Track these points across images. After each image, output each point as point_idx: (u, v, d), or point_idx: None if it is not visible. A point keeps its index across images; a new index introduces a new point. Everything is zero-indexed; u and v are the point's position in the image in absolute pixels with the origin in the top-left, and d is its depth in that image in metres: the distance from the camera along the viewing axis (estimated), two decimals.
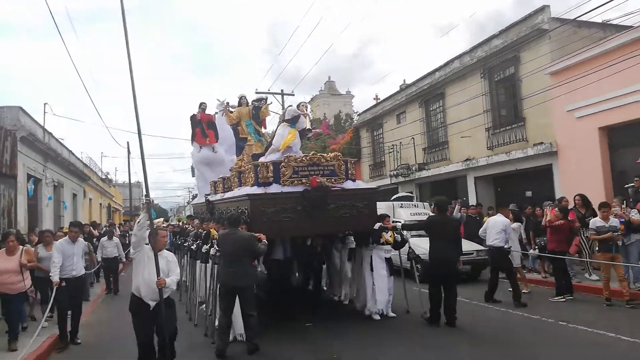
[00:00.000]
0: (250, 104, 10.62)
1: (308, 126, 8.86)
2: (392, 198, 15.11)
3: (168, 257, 5.12)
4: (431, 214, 12.75)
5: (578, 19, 12.03)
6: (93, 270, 11.15)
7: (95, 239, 12.40)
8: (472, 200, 16.12)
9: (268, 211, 6.81)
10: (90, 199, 25.13)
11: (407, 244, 8.03)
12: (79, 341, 6.90)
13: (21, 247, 6.70)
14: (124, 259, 12.59)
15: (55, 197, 17.06)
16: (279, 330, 6.98)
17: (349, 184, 7.66)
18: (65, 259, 6.59)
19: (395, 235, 7.83)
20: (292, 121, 8.45)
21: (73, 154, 20.72)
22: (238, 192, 7.87)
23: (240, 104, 10.57)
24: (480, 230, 9.39)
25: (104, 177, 32.28)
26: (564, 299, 8.58)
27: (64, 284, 6.48)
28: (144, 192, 5.14)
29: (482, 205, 14.04)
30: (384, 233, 7.66)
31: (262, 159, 8.17)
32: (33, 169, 14.24)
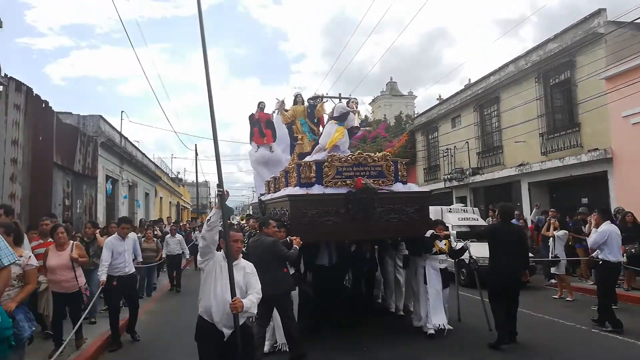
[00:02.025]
0: (305, 102, 10.29)
1: (357, 124, 8.38)
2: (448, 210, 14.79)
3: (246, 268, 3.87)
4: (483, 223, 13.07)
5: (635, 21, 11.70)
6: (157, 263, 11.35)
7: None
8: (526, 207, 15.97)
9: (309, 213, 6.37)
10: (161, 198, 27.12)
11: (466, 252, 7.32)
12: (138, 338, 6.80)
13: (72, 241, 6.24)
14: (188, 256, 12.87)
15: (130, 195, 18.81)
16: (327, 339, 6.72)
17: (398, 187, 7.05)
18: (117, 256, 6.42)
19: (455, 242, 7.12)
20: (341, 119, 8.05)
21: (146, 156, 22.60)
22: (282, 192, 7.53)
23: (295, 103, 10.27)
24: (595, 239, 7.48)
25: (173, 177, 34.56)
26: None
27: (115, 282, 6.35)
28: (218, 183, 3.95)
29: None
30: (437, 242, 6.95)
31: (307, 158, 7.81)
32: (111, 170, 15.89)
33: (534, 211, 13.48)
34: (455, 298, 7.49)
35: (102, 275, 6.22)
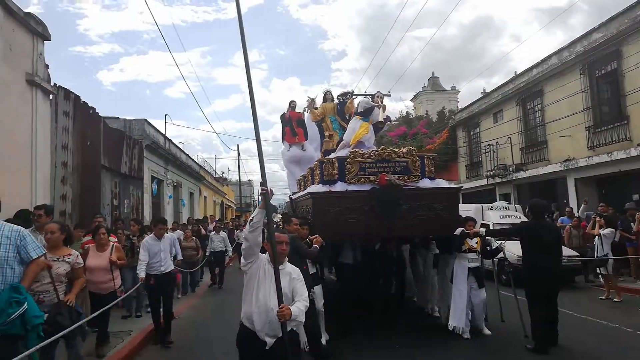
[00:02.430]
0: (335, 99, 10.12)
1: (381, 119, 8.10)
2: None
3: (292, 273, 3.56)
4: (524, 218, 12.68)
5: None
6: (200, 265, 11.77)
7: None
8: (573, 203, 15.38)
9: (331, 211, 6.24)
10: (205, 197, 27.96)
11: (501, 253, 6.89)
12: (171, 340, 6.60)
13: (112, 243, 6.32)
14: (231, 254, 12.95)
15: (174, 195, 19.54)
16: (358, 338, 6.58)
17: (425, 183, 6.81)
18: (153, 256, 6.48)
19: (487, 240, 6.81)
20: (365, 114, 7.83)
21: (190, 157, 23.37)
22: (306, 190, 7.37)
23: (325, 100, 10.15)
24: None
25: (217, 176, 35.53)
26: None
27: (152, 280, 6.43)
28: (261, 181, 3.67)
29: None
30: (467, 240, 6.63)
31: (332, 155, 7.67)
32: (156, 171, 16.58)
33: (582, 207, 12.89)
34: (496, 298, 7.08)
35: (141, 272, 6.31)
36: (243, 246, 3.50)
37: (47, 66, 8.02)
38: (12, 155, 7.07)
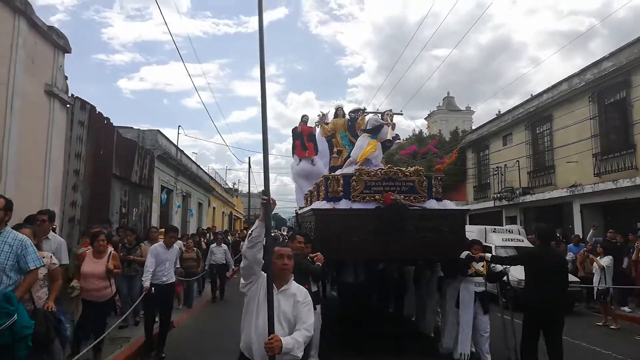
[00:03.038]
0: (347, 115, 10.08)
1: (390, 137, 8.03)
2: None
3: (297, 295, 3.05)
4: (529, 244, 12.65)
5: None
6: (199, 276, 11.28)
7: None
8: (578, 229, 15.35)
9: (334, 229, 6.12)
10: (214, 208, 28.28)
11: (505, 277, 6.64)
12: (163, 355, 6.34)
13: (110, 249, 6.11)
14: (233, 266, 12.66)
15: (183, 205, 19.85)
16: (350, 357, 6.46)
17: (431, 204, 6.66)
18: (158, 264, 6.31)
19: (492, 265, 6.56)
20: (374, 131, 7.77)
21: (201, 168, 23.76)
22: (311, 206, 7.28)
23: (336, 116, 10.11)
24: None
25: (227, 187, 35.90)
26: None
27: (153, 290, 6.19)
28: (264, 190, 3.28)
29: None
30: (473, 263, 6.42)
31: (338, 172, 7.62)
32: (166, 181, 16.91)
33: (590, 232, 12.71)
34: (503, 323, 6.68)
35: (146, 281, 6.12)
36: (242, 264, 3.06)
37: (66, 77, 8.37)
38: (28, 161, 7.37)
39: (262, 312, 2.92)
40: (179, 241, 10.64)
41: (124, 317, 6.61)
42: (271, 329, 2.79)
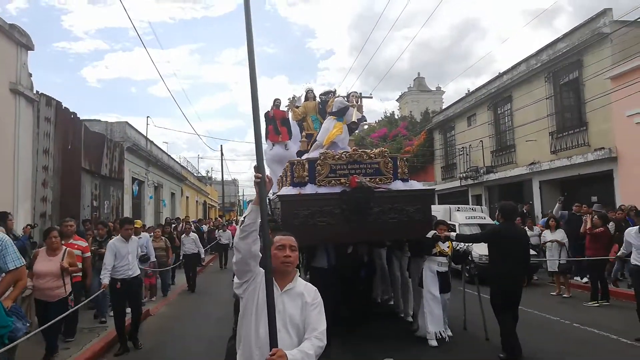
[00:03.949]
0: (317, 98, 9.75)
1: (355, 119, 7.90)
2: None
3: (305, 295, 2.56)
4: (490, 221, 13.29)
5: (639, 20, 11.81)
6: (171, 267, 11.21)
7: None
8: (537, 205, 16.18)
9: (301, 214, 6.08)
10: (187, 197, 28.29)
11: (469, 256, 6.82)
12: (141, 346, 6.46)
13: (64, 247, 5.84)
14: (203, 255, 12.43)
15: (155, 196, 19.89)
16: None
17: (397, 185, 6.66)
18: (120, 259, 6.19)
19: (457, 246, 6.67)
20: (339, 114, 7.69)
21: (172, 158, 23.72)
22: (279, 192, 7.21)
23: (307, 99, 9.81)
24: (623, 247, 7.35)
25: (200, 176, 35.85)
26: (597, 304, 8.86)
27: (119, 285, 6.15)
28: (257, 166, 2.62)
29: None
30: (439, 243, 6.50)
31: (305, 156, 7.49)
32: (137, 172, 16.95)
33: (556, 206, 12.69)
34: (460, 303, 7.11)
35: (105, 278, 5.99)
36: (234, 260, 2.54)
37: (30, 75, 8.41)
38: None
39: (263, 318, 2.41)
40: (144, 233, 10.02)
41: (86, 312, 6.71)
42: (273, 342, 2.29)
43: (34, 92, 8.63)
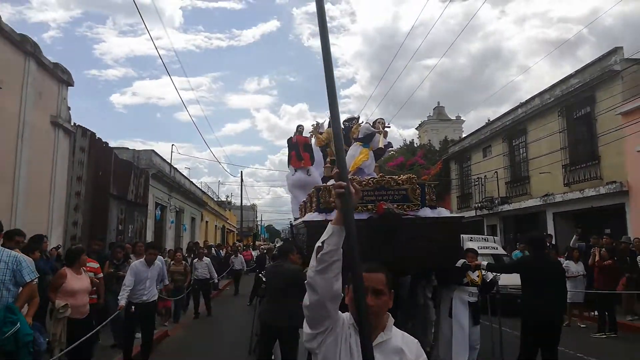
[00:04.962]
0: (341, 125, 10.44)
1: (382, 145, 7.87)
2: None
3: (405, 353, 1.92)
4: (502, 252, 13.45)
5: None
6: (187, 292, 11.10)
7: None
8: (551, 236, 16.28)
9: None
10: (206, 222, 28.97)
11: (495, 286, 6.62)
12: None
13: (82, 268, 5.88)
14: (217, 281, 12.16)
15: (176, 220, 20.57)
16: None
17: (426, 212, 6.42)
18: (138, 282, 6.13)
19: (484, 274, 6.44)
20: (365, 140, 7.67)
21: (194, 184, 24.52)
22: (304, 218, 6.99)
23: (330, 125, 9.49)
24: None
25: (219, 201, 36.65)
26: (604, 336, 8.97)
27: (133, 308, 6.07)
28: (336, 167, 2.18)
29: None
30: (469, 272, 6.28)
31: (331, 182, 7.40)
32: (160, 198, 17.66)
33: (573, 238, 12.97)
34: (490, 333, 6.95)
35: (122, 299, 5.93)
36: (306, 301, 1.89)
37: (69, 108, 9.18)
38: (35, 185, 8.15)
39: None
40: (159, 257, 9.72)
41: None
42: None
43: (72, 124, 9.38)
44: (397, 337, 1.95)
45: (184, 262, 10.79)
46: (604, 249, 9.86)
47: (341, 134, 2.09)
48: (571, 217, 16.17)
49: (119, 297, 6.06)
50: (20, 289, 4.10)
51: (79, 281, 5.57)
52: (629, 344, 8.33)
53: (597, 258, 9.76)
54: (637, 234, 11.93)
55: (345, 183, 1.78)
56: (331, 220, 1.90)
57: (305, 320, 1.95)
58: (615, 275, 9.68)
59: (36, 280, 4.33)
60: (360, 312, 1.70)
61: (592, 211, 14.70)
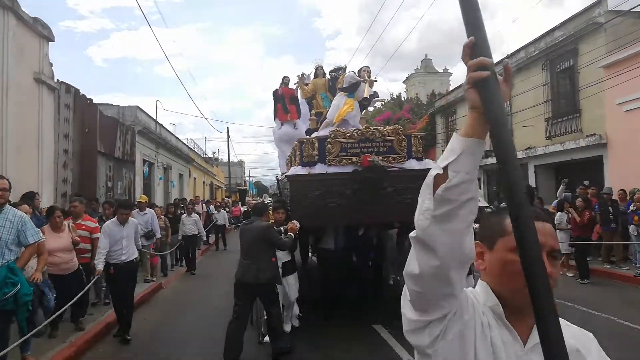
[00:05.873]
0: (327, 74, 9.30)
1: (367, 94, 7.50)
2: None
3: (580, 350, 1.17)
4: (485, 203, 13.92)
5: (635, 10, 12.12)
6: (171, 250, 11.12)
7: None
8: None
9: (311, 195, 5.84)
10: (194, 178, 29.06)
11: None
12: (128, 337, 5.95)
13: (66, 222, 6.08)
14: (205, 237, 12.25)
15: (165, 177, 20.65)
16: (335, 325, 6.36)
17: (412, 164, 6.32)
18: (114, 243, 5.91)
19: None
20: (350, 89, 7.33)
21: (180, 140, 24.41)
22: (287, 172, 6.91)
23: (316, 75, 9.40)
24: None
25: (207, 157, 36.61)
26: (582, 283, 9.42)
27: (112, 270, 5.90)
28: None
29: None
30: None
31: (314, 135, 7.17)
32: (147, 155, 17.67)
33: (560, 187, 12.87)
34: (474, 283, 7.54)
35: (99, 263, 5.76)
36: (414, 268, 1.12)
37: (51, 64, 9.06)
38: (22, 145, 8.18)
39: None
40: (149, 209, 9.93)
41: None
42: None
43: (55, 80, 9.28)
44: (566, 333, 1.01)
45: (163, 216, 10.77)
46: (579, 199, 10.28)
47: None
48: (552, 169, 16.62)
49: (95, 261, 5.95)
50: (23, 249, 4.18)
51: (56, 240, 5.66)
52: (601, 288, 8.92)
53: (578, 219, 9.96)
54: (614, 185, 12.37)
55: (489, 59, 1.08)
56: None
57: (408, 300, 1.19)
58: (591, 225, 10.16)
59: (41, 241, 4.42)
60: (535, 285, 0.95)
61: (572, 163, 15.12)
